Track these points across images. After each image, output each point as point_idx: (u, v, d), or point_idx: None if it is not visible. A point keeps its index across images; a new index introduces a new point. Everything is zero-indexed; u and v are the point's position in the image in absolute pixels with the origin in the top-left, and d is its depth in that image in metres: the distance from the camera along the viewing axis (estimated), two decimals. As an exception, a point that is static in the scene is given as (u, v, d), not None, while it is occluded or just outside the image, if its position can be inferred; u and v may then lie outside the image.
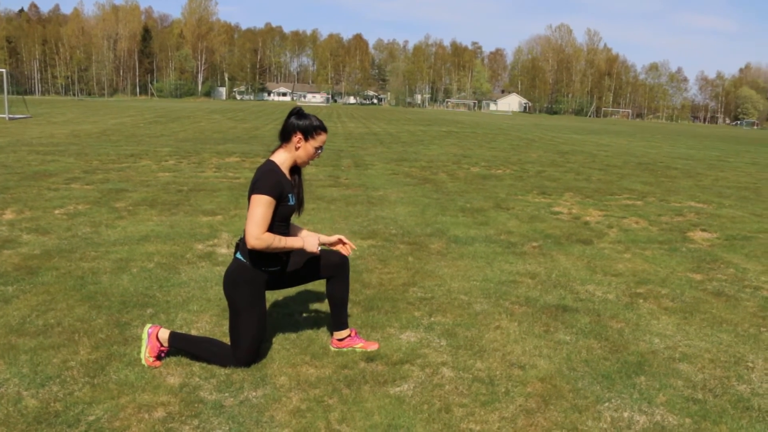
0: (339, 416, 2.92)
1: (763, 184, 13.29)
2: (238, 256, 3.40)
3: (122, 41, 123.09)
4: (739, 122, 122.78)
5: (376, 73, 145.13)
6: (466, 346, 3.79)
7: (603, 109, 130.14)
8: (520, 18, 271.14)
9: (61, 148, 14.53)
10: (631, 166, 15.75)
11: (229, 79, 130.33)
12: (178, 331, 3.70)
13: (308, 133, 3.39)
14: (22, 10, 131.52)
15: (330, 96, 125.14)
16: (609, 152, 20.69)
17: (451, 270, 5.42)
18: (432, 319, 4.23)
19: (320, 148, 3.47)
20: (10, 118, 25.94)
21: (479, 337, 3.92)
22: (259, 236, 3.24)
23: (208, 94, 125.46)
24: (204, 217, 7.18)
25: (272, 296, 4.46)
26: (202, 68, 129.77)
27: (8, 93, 29.44)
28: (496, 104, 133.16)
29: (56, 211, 7.20)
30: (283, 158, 3.43)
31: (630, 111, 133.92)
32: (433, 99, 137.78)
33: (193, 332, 3.81)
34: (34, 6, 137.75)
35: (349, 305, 4.09)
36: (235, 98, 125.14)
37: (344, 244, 3.68)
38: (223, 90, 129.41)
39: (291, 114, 3.40)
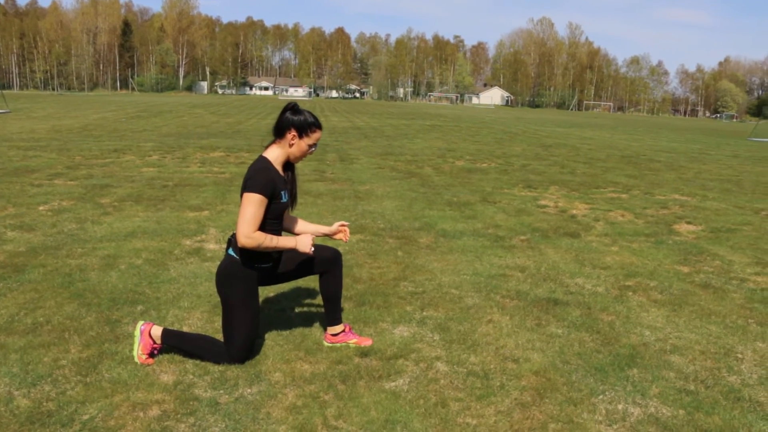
0: (335, 412, 2.91)
1: (745, 176, 13.44)
2: (230, 252, 3.37)
3: (102, 35, 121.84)
4: (718, 115, 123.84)
5: (359, 67, 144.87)
6: (460, 340, 3.79)
7: (585, 102, 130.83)
8: (502, 11, 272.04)
9: (42, 143, 14.35)
10: (615, 159, 15.85)
11: (210, 73, 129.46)
12: (171, 328, 3.66)
13: (303, 131, 3.34)
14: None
15: (312, 90, 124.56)
16: (592, 145, 20.82)
17: (440, 264, 5.43)
18: (424, 313, 4.23)
19: (314, 145, 3.42)
20: (-11, 113, 25.60)
21: (472, 331, 3.93)
22: (249, 235, 3.20)
23: (189, 88, 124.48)
24: (191, 213, 7.12)
25: (264, 292, 4.43)
26: (184, 62, 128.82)
27: (-14, 88, 29.01)
28: (478, 98, 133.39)
29: (40, 208, 7.10)
30: (276, 154, 3.38)
31: (611, 104, 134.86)
32: (416, 93, 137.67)
33: (185, 329, 3.78)
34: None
35: (341, 300, 4.08)
36: (216, 92, 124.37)
37: (345, 227, 3.70)
38: (204, 84, 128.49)
39: (286, 109, 3.34)
